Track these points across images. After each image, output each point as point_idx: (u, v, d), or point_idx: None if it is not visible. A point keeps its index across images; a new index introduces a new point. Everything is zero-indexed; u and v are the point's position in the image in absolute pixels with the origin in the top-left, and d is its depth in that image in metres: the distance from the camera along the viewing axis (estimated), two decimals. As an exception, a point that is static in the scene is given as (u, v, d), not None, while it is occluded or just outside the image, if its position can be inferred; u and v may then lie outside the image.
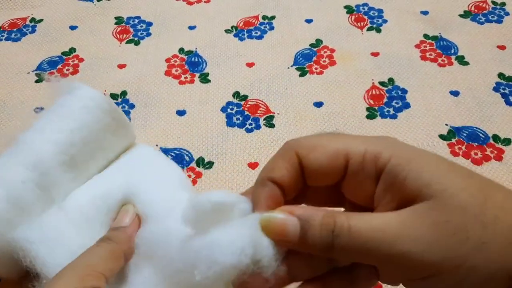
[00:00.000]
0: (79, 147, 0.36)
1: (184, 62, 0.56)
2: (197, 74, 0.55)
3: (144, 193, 0.36)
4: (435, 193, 0.22)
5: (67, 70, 0.55)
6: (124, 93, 0.53)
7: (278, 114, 0.51)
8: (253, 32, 0.60)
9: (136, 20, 0.62)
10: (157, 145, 0.48)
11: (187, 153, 0.47)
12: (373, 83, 0.53)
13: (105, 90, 0.53)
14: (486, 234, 0.22)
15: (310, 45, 0.58)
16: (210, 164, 0.46)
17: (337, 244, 0.23)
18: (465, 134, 0.48)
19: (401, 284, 0.25)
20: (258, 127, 0.49)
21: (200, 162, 0.47)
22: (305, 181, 0.26)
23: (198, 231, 0.24)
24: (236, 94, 0.53)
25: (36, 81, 0.54)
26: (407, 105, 0.51)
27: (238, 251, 0.23)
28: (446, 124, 0.49)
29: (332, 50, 0.57)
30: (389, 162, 0.24)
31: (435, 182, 0.23)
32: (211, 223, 0.24)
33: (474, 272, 0.22)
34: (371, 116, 0.50)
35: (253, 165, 0.46)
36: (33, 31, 0.60)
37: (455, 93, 0.52)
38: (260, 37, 0.59)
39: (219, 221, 0.24)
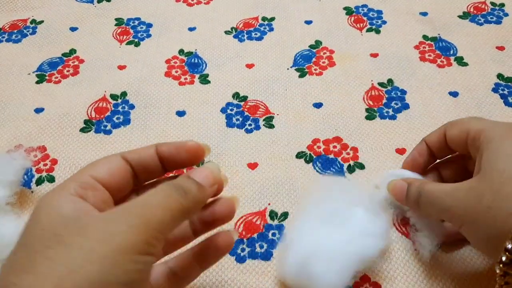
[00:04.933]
0: None
1: (184, 63, 0.56)
2: (197, 75, 0.55)
3: None
4: (487, 171, 0.30)
5: (67, 71, 0.56)
6: (124, 94, 0.53)
7: (277, 114, 0.51)
8: (253, 34, 0.60)
9: (136, 22, 0.62)
10: (157, 146, 0.48)
11: (187, 153, 0.47)
12: (372, 84, 0.53)
13: (105, 91, 0.53)
14: (494, 201, 0.29)
15: (310, 46, 0.58)
16: (209, 165, 0.46)
17: (421, 201, 0.34)
18: (464, 135, 0.48)
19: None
20: (257, 127, 0.50)
21: (200, 162, 0.47)
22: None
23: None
24: (236, 95, 0.53)
25: (37, 82, 0.54)
26: (406, 106, 0.51)
27: None
28: (445, 125, 0.49)
29: (332, 51, 0.57)
30: (482, 139, 0.32)
31: (493, 163, 0.30)
32: None
33: (480, 228, 0.30)
34: (370, 117, 0.50)
35: (252, 166, 0.46)
36: (34, 32, 0.60)
37: (454, 94, 0.52)
38: (259, 38, 0.59)
39: None
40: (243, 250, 0.40)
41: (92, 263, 0.21)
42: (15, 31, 0.61)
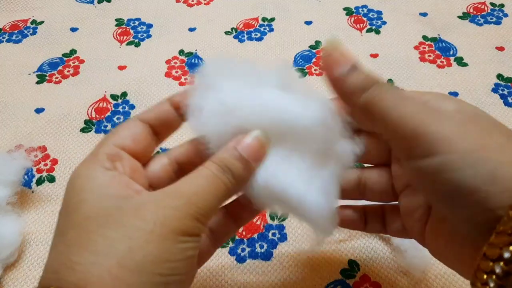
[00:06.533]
0: None
1: (184, 64, 0.57)
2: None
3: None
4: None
5: (67, 71, 0.56)
6: (124, 94, 0.53)
7: (277, 115, 0.51)
8: (253, 34, 0.60)
9: (137, 22, 0.62)
10: (157, 146, 0.48)
11: (187, 153, 0.47)
12: (372, 84, 0.53)
13: (106, 91, 0.53)
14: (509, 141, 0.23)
15: (310, 46, 0.58)
16: (210, 165, 0.46)
17: (371, 92, 0.25)
18: (464, 135, 0.48)
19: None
20: (257, 128, 0.50)
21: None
22: None
23: None
24: (236, 95, 0.53)
25: (37, 82, 0.54)
26: (406, 106, 0.51)
27: None
28: (445, 125, 0.49)
29: (332, 52, 0.57)
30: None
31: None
32: None
33: (481, 165, 0.22)
34: (370, 117, 0.50)
35: (252, 166, 0.46)
36: (34, 33, 0.61)
37: (454, 94, 0.52)
38: (259, 39, 0.60)
39: None
40: (243, 250, 0.40)
41: (150, 243, 0.23)
42: (16, 31, 0.61)
